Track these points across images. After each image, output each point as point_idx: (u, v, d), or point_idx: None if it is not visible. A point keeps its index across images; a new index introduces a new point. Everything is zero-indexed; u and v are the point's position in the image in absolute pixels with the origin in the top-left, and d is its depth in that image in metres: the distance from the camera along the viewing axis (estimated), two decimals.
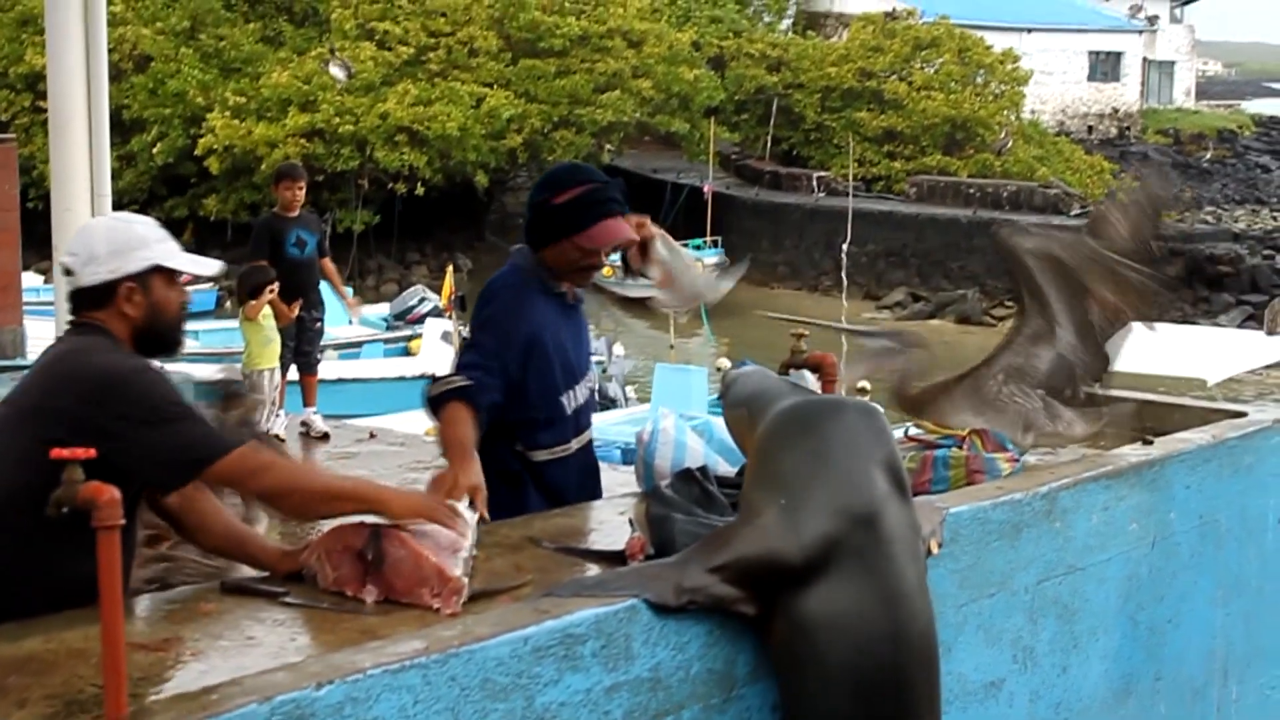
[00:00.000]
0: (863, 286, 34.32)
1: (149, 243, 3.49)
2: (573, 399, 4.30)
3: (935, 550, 3.71)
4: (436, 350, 19.17)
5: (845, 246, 25.88)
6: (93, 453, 2.89)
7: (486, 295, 4.34)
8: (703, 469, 3.97)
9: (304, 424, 10.13)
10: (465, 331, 4.90)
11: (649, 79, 37.16)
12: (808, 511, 3.29)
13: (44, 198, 6.93)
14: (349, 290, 13.45)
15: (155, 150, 34.88)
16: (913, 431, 4.71)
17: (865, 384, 15.48)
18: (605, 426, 15.48)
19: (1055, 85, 52.30)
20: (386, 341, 22.22)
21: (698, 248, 32.96)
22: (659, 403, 14.60)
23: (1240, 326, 27.84)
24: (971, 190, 37.44)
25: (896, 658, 3.28)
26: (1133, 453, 4.68)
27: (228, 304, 29.20)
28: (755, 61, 42.70)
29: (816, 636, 3.23)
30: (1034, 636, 4.21)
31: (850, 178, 34.95)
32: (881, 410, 3.60)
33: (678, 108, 38.63)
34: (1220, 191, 50.19)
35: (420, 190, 34.54)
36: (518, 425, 4.18)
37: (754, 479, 3.50)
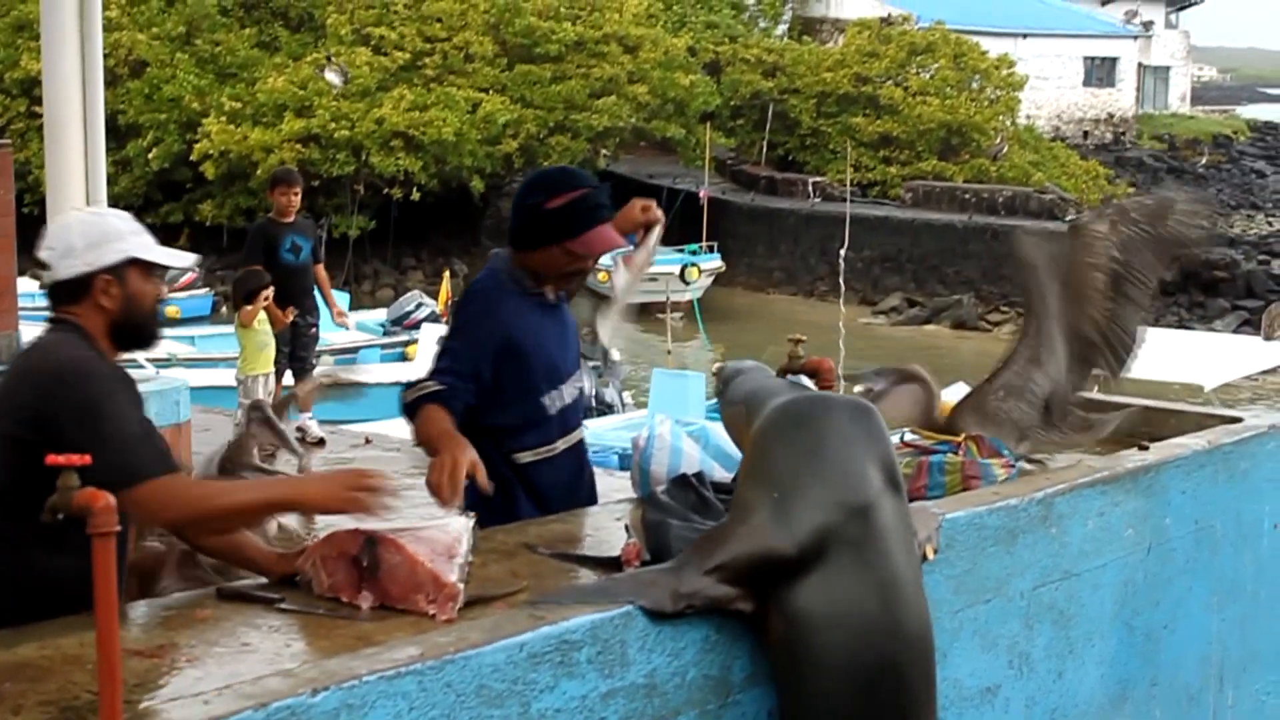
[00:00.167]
0: (858, 292, 34.32)
1: (124, 236, 3.49)
2: (556, 399, 4.28)
3: (931, 555, 3.71)
4: (433, 355, 19.15)
5: (843, 252, 25.90)
6: (88, 459, 2.89)
7: (460, 300, 4.42)
8: (699, 475, 3.97)
9: (299, 429, 10.12)
10: None
11: (645, 84, 37.16)
12: (800, 504, 3.29)
13: (39, 203, 6.92)
14: (346, 297, 13.46)
15: (151, 155, 34.86)
16: (908, 437, 4.72)
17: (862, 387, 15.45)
18: (602, 431, 15.47)
19: (1051, 91, 52.33)
20: (383, 347, 22.21)
21: (694, 253, 32.98)
22: (656, 408, 14.58)
23: (1236, 332, 27.87)
24: (967, 195, 37.44)
25: (892, 649, 3.29)
26: (1129, 458, 4.68)
27: (223, 309, 29.24)
28: (751, 67, 42.69)
29: (813, 630, 3.23)
30: (1030, 642, 4.21)
31: (848, 183, 34.93)
32: (876, 409, 3.61)
33: (673, 113, 38.62)
34: (1215, 197, 50.20)
35: (416, 195, 34.50)
36: (499, 428, 4.17)
37: (747, 475, 3.51)
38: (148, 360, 16.69)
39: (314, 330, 10.67)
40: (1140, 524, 4.60)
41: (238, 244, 15.41)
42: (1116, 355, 4.76)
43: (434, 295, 24.42)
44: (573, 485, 4.37)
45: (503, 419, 4.16)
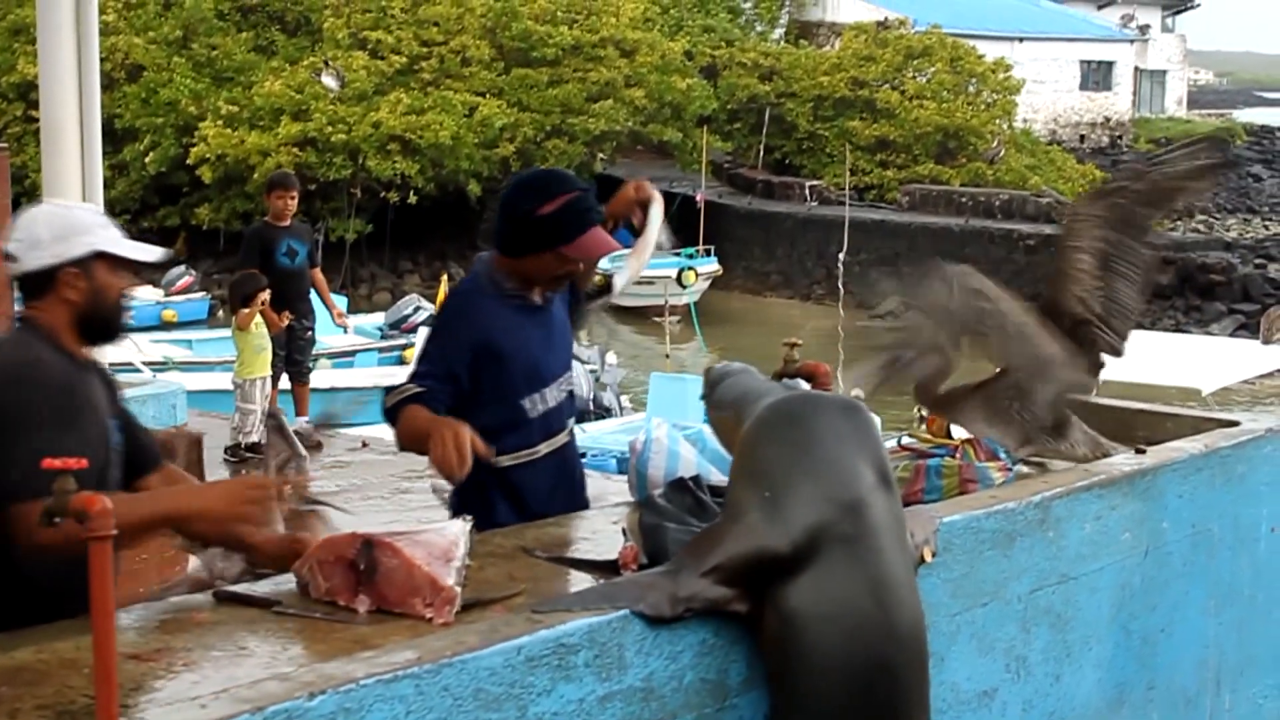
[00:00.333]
0: (855, 295, 34.34)
1: (92, 229, 3.48)
2: (538, 403, 4.26)
3: (929, 558, 3.71)
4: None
5: (842, 256, 25.90)
6: (84, 463, 2.89)
7: (440, 306, 4.45)
8: (695, 478, 3.97)
9: (296, 434, 10.12)
10: None
11: (641, 88, 37.18)
12: (793, 502, 3.29)
13: None
14: (344, 300, 13.46)
15: (148, 159, 34.86)
16: (906, 441, 4.72)
17: (859, 391, 15.47)
18: (600, 435, 15.49)
19: (1047, 94, 52.36)
20: (381, 350, 22.21)
21: (690, 256, 32.98)
22: (655, 412, 14.59)
23: (1232, 335, 27.89)
24: (964, 199, 37.45)
25: (886, 646, 3.28)
26: (1125, 462, 4.69)
27: (220, 313, 29.23)
28: (748, 71, 42.71)
29: (807, 627, 3.23)
30: (1027, 646, 4.21)
31: (846, 186, 34.93)
32: (866, 408, 3.61)
33: (670, 117, 38.64)
34: (1212, 200, 50.25)
35: (413, 199, 34.51)
36: (478, 430, 4.15)
37: (738, 476, 3.50)
38: (144, 364, 16.70)
39: (310, 334, 10.68)
40: (1137, 527, 4.60)
41: (234, 248, 15.44)
42: (1116, 331, 4.74)
43: (431, 299, 24.41)
44: (555, 490, 4.33)
45: (481, 421, 4.12)
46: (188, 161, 34.25)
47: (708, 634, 3.27)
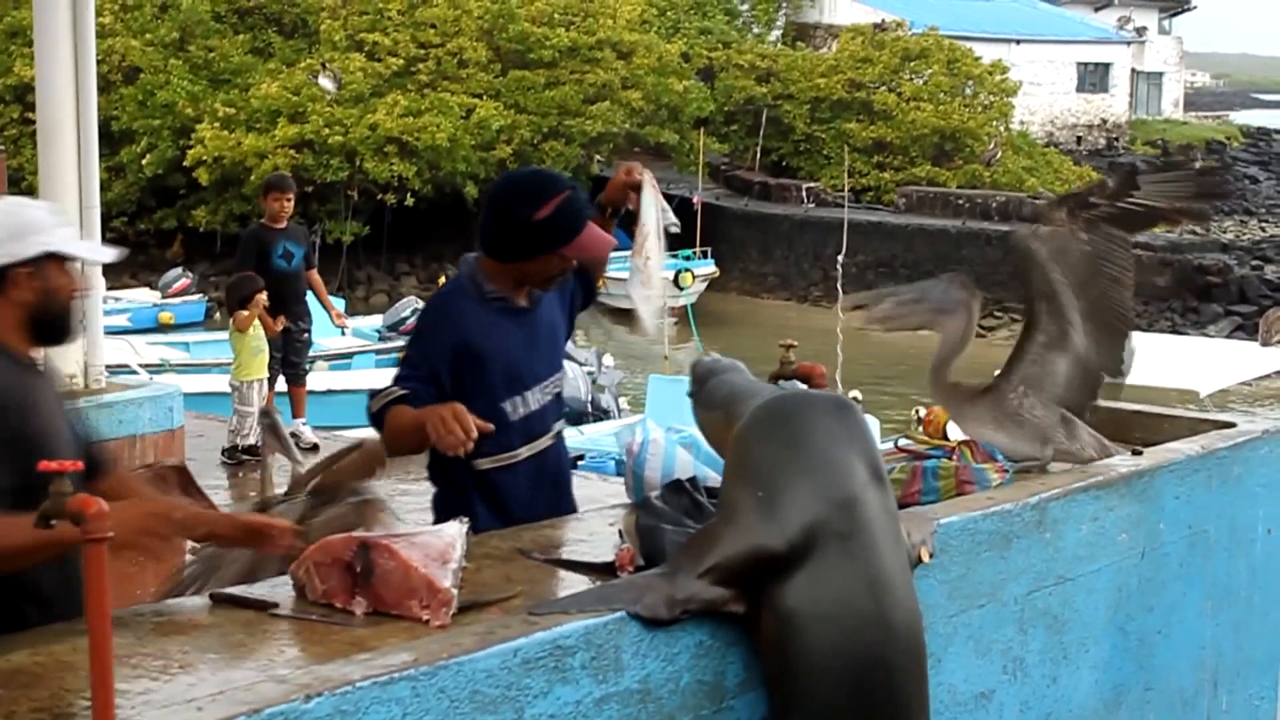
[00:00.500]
0: (848, 296, 34.33)
1: (46, 228, 3.43)
2: (519, 405, 4.24)
3: (926, 558, 3.71)
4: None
5: (840, 258, 25.90)
6: (80, 465, 2.88)
7: (422, 310, 4.46)
8: (692, 480, 3.96)
9: (293, 435, 10.12)
10: None
11: (638, 90, 37.18)
12: (787, 500, 3.29)
13: None
14: (342, 303, 13.45)
15: (144, 161, 34.83)
16: (902, 443, 4.72)
17: (857, 393, 15.46)
18: (598, 437, 15.47)
19: (1044, 96, 52.37)
20: (378, 352, 22.19)
21: (687, 258, 32.98)
22: (653, 414, 14.59)
23: (1229, 337, 27.90)
24: (961, 201, 37.45)
25: (882, 643, 3.28)
26: (1122, 463, 4.68)
27: (217, 315, 29.22)
28: (744, 72, 42.71)
29: (804, 626, 3.23)
30: (1024, 647, 4.21)
31: (845, 188, 34.94)
32: (859, 406, 3.61)
33: (667, 119, 38.66)
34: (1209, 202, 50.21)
35: (410, 201, 34.50)
36: None
37: (731, 476, 3.50)
38: (140, 366, 16.70)
39: (306, 336, 10.68)
40: (1134, 529, 4.60)
41: (231, 250, 15.45)
42: (1114, 337, 4.72)
43: None
44: (536, 493, 4.31)
45: None
46: (185, 164, 34.23)
47: (704, 636, 3.27)
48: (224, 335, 11.29)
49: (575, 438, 14.97)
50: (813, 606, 3.24)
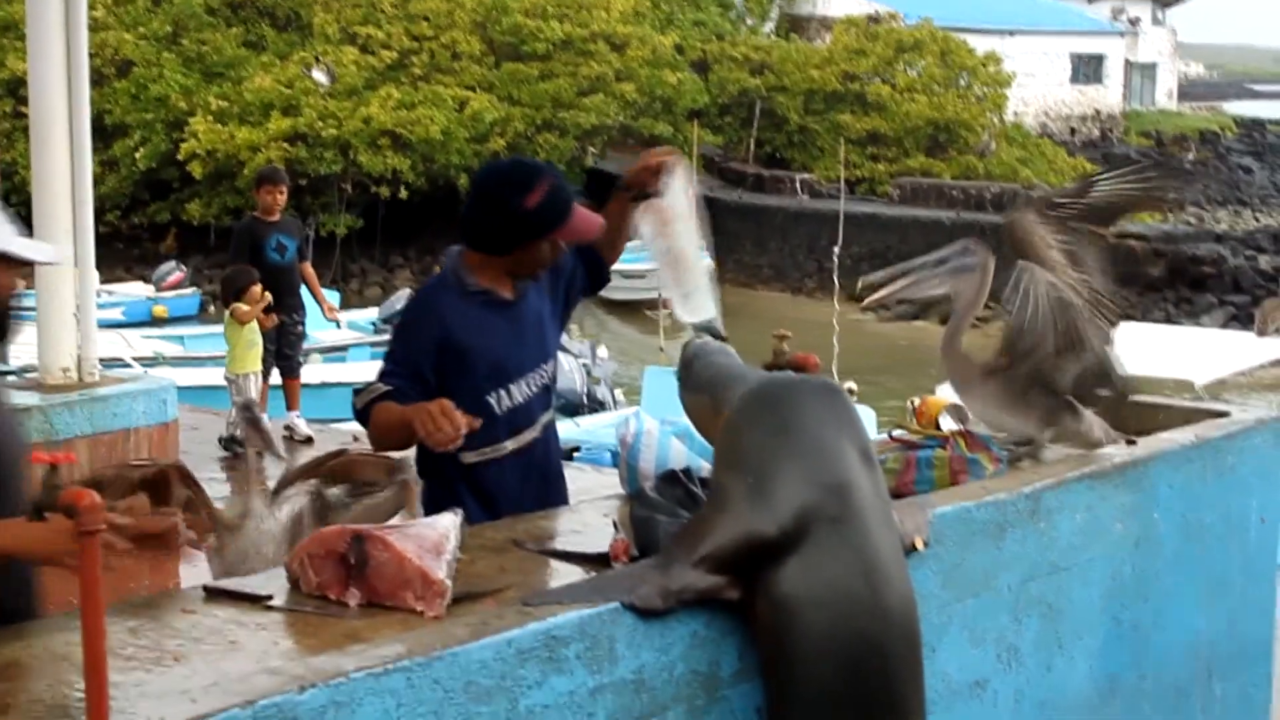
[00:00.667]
0: (846, 289, 34.37)
1: None
2: (504, 399, 4.24)
3: (921, 546, 3.71)
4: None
5: (836, 250, 25.91)
6: (74, 458, 2.87)
7: (405, 305, 4.46)
8: (686, 470, 3.96)
9: (287, 428, 10.13)
10: None
11: (632, 82, 37.18)
12: (778, 486, 3.29)
13: (25, 204, 6.89)
14: (337, 295, 13.44)
15: (138, 155, 34.82)
16: (896, 433, 4.72)
17: (852, 384, 15.45)
18: (594, 429, 15.49)
19: (1038, 87, 52.38)
20: (373, 345, 22.18)
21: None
22: (649, 406, 14.58)
23: (1223, 327, 27.92)
24: (955, 192, 37.49)
25: (877, 627, 3.28)
26: (1116, 453, 4.68)
27: (211, 308, 29.20)
28: (738, 65, 42.72)
29: (798, 612, 3.23)
30: (1018, 636, 4.21)
31: (842, 180, 34.97)
32: (846, 391, 3.61)
33: (661, 111, 38.65)
34: (1203, 193, 50.35)
35: (403, 194, 34.50)
36: None
37: (721, 463, 3.49)
38: (134, 359, 16.68)
39: (300, 328, 10.69)
40: (1128, 518, 4.60)
41: (225, 243, 15.44)
42: (1109, 320, 4.72)
43: None
44: (523, 486, 4.31)
45: None
46: (178, 157, 34.23)
47: (699, 626, 3.27)
48: (218, 329, 11.29)
49: (571, 430, 14.98)
50: (807, 592, 3.23)
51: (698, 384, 3.81)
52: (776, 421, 3.40)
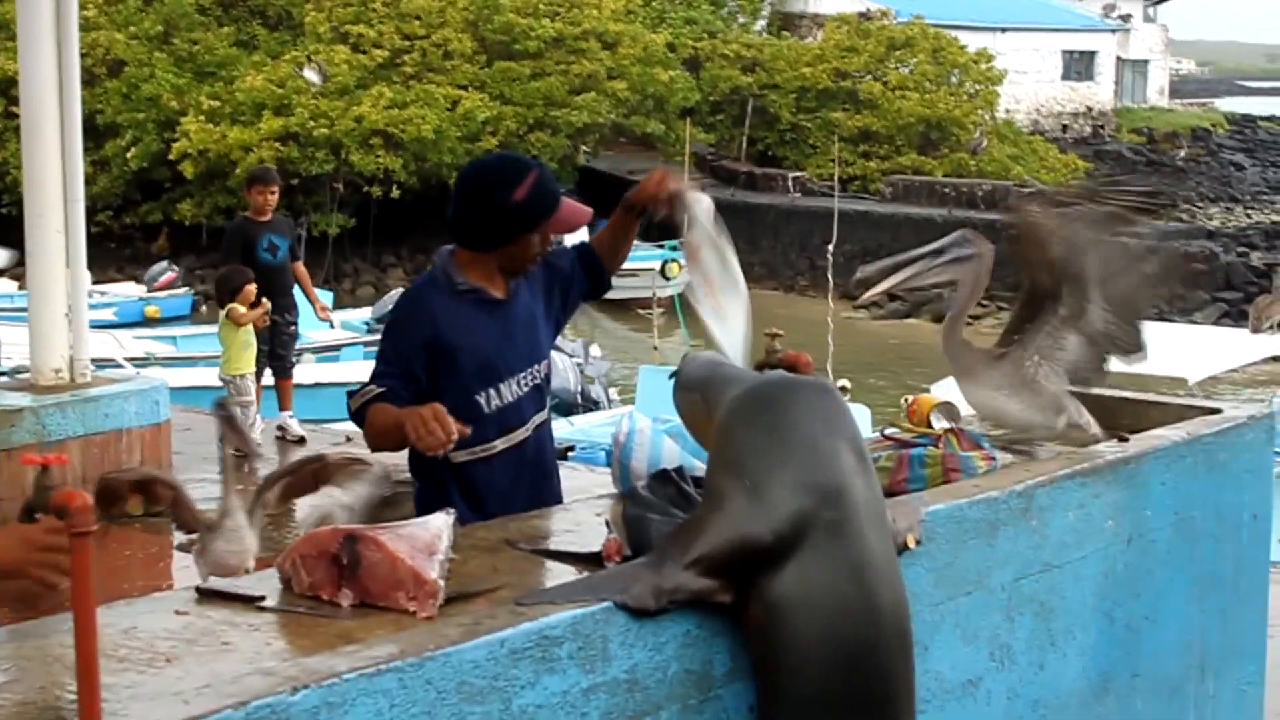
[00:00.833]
0: (839, 286, 34.38)
1: None
2: (493, 398, 4.23)
3: (913, 544, 3.71)
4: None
5: (830, 248, 25.93)
6: (65, 459, 2.87)
7: (394, 305, 4.44)
8: (679, 469, 3.95)
9: (280, 428, 10.12)
10: None
11: (624, 80, 37.19)
12: (774, 489, 3.28)
13: (17, 203, 6.92)
14: (330, 295, 13.43)
15: (129, 155, 34.80)
16: (889, 431, 4.71)
17: (846, 382, 15.42)
18: (589, 428, 15.49)
19: (1029, 85, 52.43)
20: (366, 345, 22.16)
21: (674, 248, 32.97)
22: (644, 405, 14.58)
23: (1215, 324, 27.96)
24: (947, 190, 37.53)
25: (870, 630, 3.28)
26: (1109, 450, 4.69)
27: (203, 308, 29.17)
28: (730, 62, 42.73)
29: (791, 615, 3.22)
30: (1011, 634, 4.21)
31: (837, 178, 34.98)
32: (839, 391, 3.61)
33: (653, 109, 38.66)
34: (1195, 189, 50.41)
35: (396, 193, 34.50)
36: None
37: (716, 465, 3.49)
38: (126, 360, 16.66)
39: (293, 329, 10.67)
40: (1120, 515, 4.60)
41: (217, 243, 15.43)
42: (1129, 322, 4.72)
43: None
44: (514, 486, 4.30)
45: None
46: (169, 157, 34.22)
47: (691, 625, 3.27)
48: (211, 329, 11.28)
49: (565, 429, 14.98)
50: (800, 595, 3.23)
51: (691, 385, 3.81)
52: (770, 424, 3.40)
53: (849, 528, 3.29)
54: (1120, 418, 5.08)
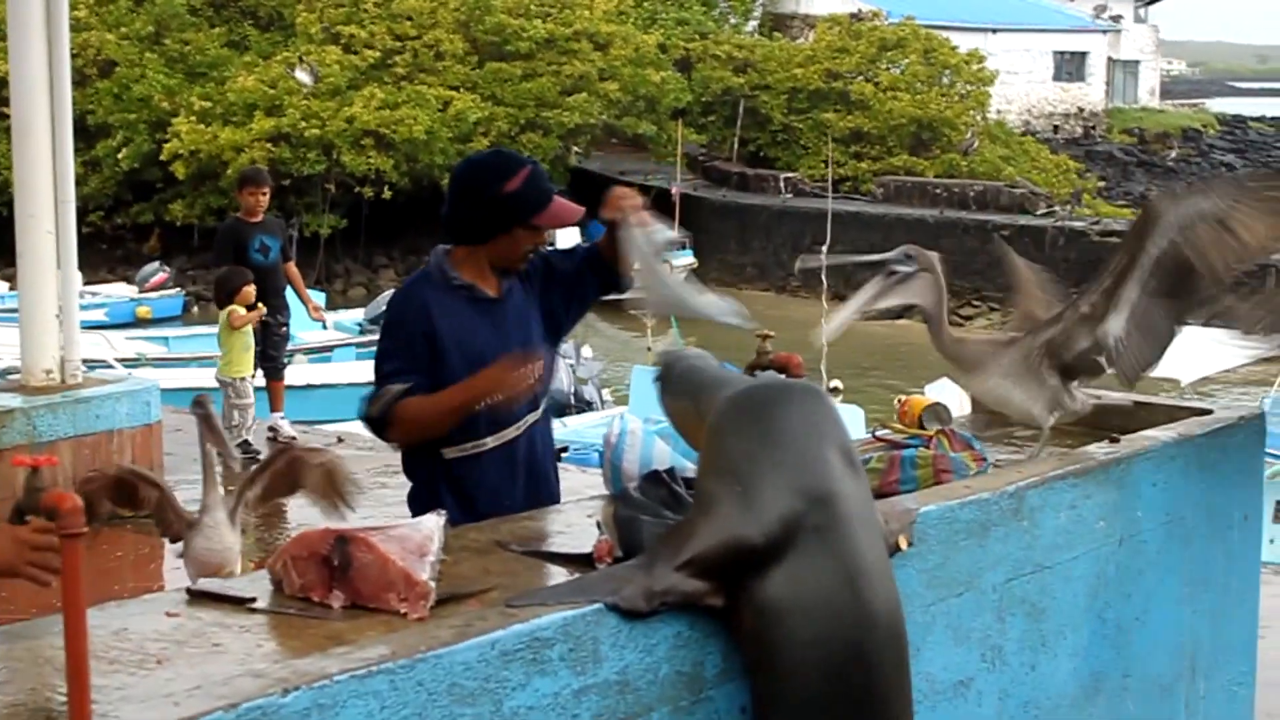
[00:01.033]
0: (831, 287, 34.38)
1: None
2: None
3: (905, 546, 3.71)
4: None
5: (824, 249, 25.96)
6: (55, 460, 2.87)
7: (387, 304, 4.47)
8: (670, 470, 3.95)
9: (271, 429, 10.11)
10: None
11: (615, 81, 37.18)
12: (764, 494, 3.28)
13: (8, 204, 6.90)
14: (322, 296, 13.41)
15: (121, 155, 34.74)
16: (880, 432, 4.72)
17: (838, 383, 15.41)
18: (582, 429, 15.48)
19: (1021, 85, 52.49)
20: (359, 346, 22.15)
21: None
22: (637, 406, 14.59)
23: (1205, 325, 27.93)
24: (938, 190, 37.54)
25: (862, 634, 3.27)
26: (1100, 451, 4.69)
27: (194, 309, 29.15)
28: (722, 63, 42.74)
29: (782, 618, 3.22)
30: (1002, 635, 4.22)
31: (830, 179, 34.98)
32: (828, 394, 3.61)
33: (644, 110, 38.66)
34: (1183, 187, 50.36)
35: (387, 194, 34.47)
36: None
37: (707, 469, 3.48)
38: (118, 360, 16.64)
39: (285, 329, 10.66)
40: (1112, 516, 4.60)
41: (208, 244, 15.43)
42: (1150, 341, 4.71)
43: None
44: (504, 484, 4.29)
45: None
46: (161, 158, 34.16)
47: (683, 627, 3.26)
48: (203, 330, 11.27)
49: (558, 430, 14.96)
50: (792, 599, 3.23)
51: (679, 389, 3.81)
52: (761, 428, 3.40)
53: (840, 532, 3.29)
54: (1111, 419, 5.08)
